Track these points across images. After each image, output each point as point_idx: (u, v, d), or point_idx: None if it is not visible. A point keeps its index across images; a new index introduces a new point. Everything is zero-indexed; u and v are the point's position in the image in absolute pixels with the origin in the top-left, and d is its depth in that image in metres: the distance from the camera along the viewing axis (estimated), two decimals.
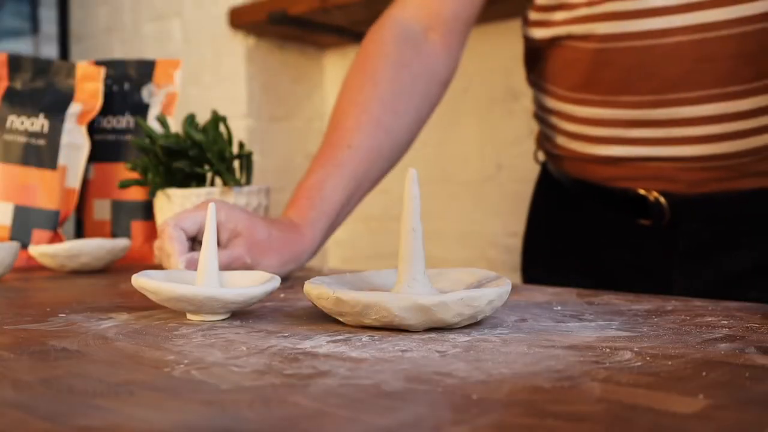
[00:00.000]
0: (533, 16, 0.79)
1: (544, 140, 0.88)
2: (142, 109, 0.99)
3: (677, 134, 0.71)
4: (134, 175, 0.92)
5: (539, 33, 0.78)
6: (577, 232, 0.85)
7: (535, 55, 0.82)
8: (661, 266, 0.78)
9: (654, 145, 0.73)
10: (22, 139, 0.92)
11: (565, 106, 0.78)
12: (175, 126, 0.97)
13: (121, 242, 0.83)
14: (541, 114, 0.85)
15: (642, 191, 0.76)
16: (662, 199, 0.75)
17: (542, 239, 0.92)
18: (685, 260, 0.77)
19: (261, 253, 0.63)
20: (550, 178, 0.89)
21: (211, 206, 0.53)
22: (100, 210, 0.97)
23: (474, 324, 0.47)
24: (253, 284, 0.54)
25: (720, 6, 0.66)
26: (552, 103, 0.81)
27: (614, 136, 0.74)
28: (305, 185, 0.70)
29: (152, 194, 0.85)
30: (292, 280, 0.73)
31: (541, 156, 0.93)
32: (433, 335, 0.43)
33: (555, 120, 0.81)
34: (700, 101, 0.69)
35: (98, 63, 0.99)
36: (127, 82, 1.00)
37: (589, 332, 0.44)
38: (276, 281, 0.52)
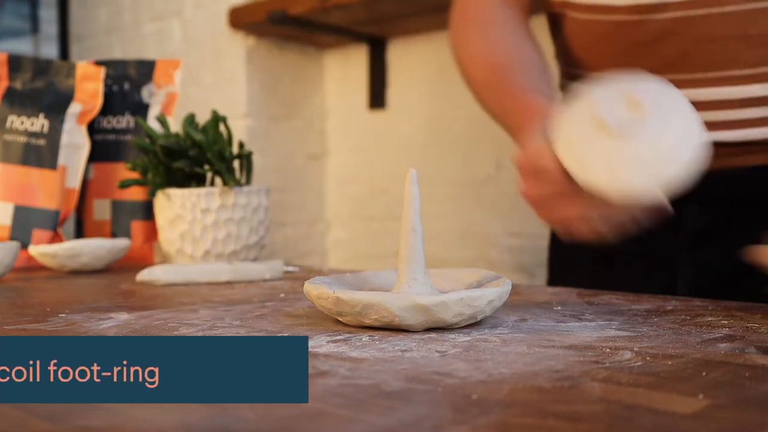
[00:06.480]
0: None
1: None
2: (142, 109, 0.99)
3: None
4: (134, 175, 0.92)
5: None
6: None
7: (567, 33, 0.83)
8: (667, 252, 0.77)
9: None
10: (22, 139, 0.92)
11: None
12: (175, 126, 0.97)
13: (121, 242, 0.83)
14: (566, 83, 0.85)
15: None
16: None
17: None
18: (691, 246, 0.75)
19: None
20: None
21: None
22: (100, 210, 0.97)
23: (474, 324, 0.47)
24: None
25: None
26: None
27: None
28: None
29: (152, 194, 0.85)
30: (292, 280, 0.73)
31: None
32: (433, 335, 0.43)
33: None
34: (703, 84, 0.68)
35: (98, 63, 0.99)
36: (127, 82, 1.00)
37: (589, 332, 0.44)
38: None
